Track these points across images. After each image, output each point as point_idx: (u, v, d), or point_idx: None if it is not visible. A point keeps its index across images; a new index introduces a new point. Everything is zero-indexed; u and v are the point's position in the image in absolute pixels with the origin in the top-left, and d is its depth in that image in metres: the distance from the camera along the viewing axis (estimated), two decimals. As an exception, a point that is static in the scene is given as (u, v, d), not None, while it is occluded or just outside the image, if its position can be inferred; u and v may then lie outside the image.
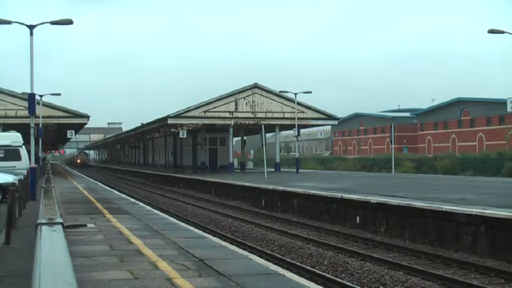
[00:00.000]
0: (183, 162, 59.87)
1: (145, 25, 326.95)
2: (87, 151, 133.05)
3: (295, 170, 44.70)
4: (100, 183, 37.31)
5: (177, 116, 43.86)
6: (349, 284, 10.18)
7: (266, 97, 45.89)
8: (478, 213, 12.97)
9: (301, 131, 48.14)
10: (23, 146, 25.55)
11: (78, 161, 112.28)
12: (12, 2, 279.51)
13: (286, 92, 44.17)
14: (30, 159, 24.26)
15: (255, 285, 7.19)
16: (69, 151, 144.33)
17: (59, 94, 42.47)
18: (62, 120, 42.90)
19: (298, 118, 43.17)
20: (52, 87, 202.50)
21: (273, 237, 16.12)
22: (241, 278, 7.48)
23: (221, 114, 44.68)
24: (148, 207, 19.74)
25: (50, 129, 45.20)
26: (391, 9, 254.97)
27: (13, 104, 41.00)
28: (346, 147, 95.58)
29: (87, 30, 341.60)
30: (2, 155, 24.55)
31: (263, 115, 45.38)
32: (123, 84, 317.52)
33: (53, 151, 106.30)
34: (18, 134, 26.17)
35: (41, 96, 38.86)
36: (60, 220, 4.86)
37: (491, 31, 26.70)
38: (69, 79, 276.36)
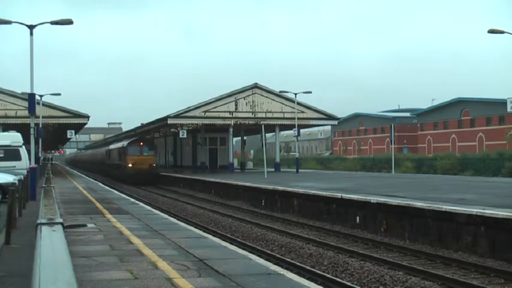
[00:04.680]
0: (183, 162, 59.88)
1: (146, 26, 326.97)
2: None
3: (295, 170, 44.69)
4: (100, 183, 37.30)
5: (177, 116, 43.86)
6: (349, 284, 10.18)
7: (266, 97, 45.90)
8: (478, 213, 12.98)
9: (301, 131, 48.14)
10: (23, 146, 25.55)
11: (130, 164, 44.56)
12: (16, 3, 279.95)
13: (286, 92, 44.18)
14: (30, 159, 24.26)
15: (255, 285, 7.19)
16: (69, 151, 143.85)
17: (59, 94, 42.56)
18: (62, 120, 42.92)
19: (298, 118, 43.16)
20: (53, 87, 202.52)
21: (273, 237, 16.11)
22: (241, 278, 7.47)
23: (221, 114, 44.68)
24: (148, 207, 19.74)
25: (50, 129, 45.21)
26: (391, 10, 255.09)
27: (13, 104, 41.02)
28: (346, 147, 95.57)
29: (88, 31, 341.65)
30: (2, 155, 24.55)
31: (263, 115, 45.39)
32: (123, 84, 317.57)
33: (53, 151, 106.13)
34: (18, 134, 26.18)
35: (41, 96, 38.89)
36: (60, 220, 4.87)
37: (491, 31, 26.71)
38: (69, 79, 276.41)
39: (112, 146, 56.63)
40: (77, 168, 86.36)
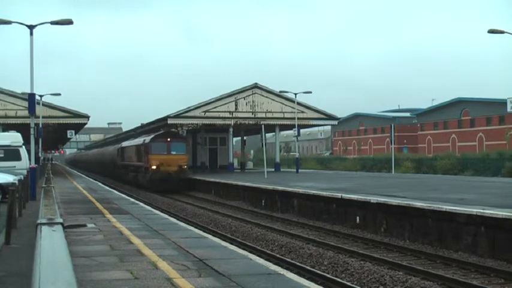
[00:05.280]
0: (183, 162, 59.75)
1: (146, 26, 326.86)
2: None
3: (295, 170, 44.70)
4: (100, 183, 37.30)
5: (177, 116, 43.84)
6: (349, 284, 10.18)
7: (266, 97, 45.89)
8: (478, 213, 12.98)
9: (301, 131, 48.14)
10: (23, 146, 25.57)
11: (154, 166, 35.16)
12: (16, 3, 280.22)
13: (286, 92, 44.18)
14: (30, 159, 24.27)
15: (255, 285, 7.19)
16: (69, 151, 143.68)
17: (59, 94, 42.50)
18: (62, 120, 42.91)
19: (298, 118, 43.16)
20: (53, 87, 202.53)
21: (273, 237, 16.11)
22: (241, 278, 7.48)
23: (221, 114, 44.68)
24: (148, 207, 19.74)
25: (50, 129, 45.21)
26: (391, 10, 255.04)
27: (13, 104, 41.02)
28: (346, 147, 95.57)
29: (88, 31, 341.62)
30: (2, 155, 24.58)
31: (263, 115, 45.38)
32: (123, 84, 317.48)
33: (53, 151, 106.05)
34: (18, 134, 26.20)
35: (41, 96, 38.88)
36: (60, 220, 4.87)
37: (491, 31, 26.72)
38: (69, 79, 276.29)
39: (126, 143, 47.27)
40: (78, 169, 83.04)
